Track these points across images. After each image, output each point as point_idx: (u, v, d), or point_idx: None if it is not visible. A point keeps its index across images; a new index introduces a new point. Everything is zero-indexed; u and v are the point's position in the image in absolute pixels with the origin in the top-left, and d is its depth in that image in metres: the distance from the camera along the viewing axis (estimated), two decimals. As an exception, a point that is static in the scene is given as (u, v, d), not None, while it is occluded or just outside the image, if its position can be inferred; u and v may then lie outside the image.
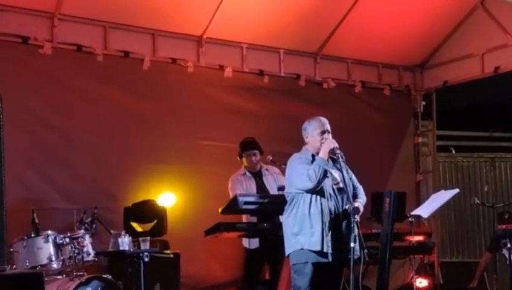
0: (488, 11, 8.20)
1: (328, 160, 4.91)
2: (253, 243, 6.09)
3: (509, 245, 6.91)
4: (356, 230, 4.84)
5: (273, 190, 6.26)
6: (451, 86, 8.82)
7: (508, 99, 10.14)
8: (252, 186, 6.32)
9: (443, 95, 9.10)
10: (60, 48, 6.71)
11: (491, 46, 8.24)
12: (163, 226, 6.54)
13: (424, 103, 9.02)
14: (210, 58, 7.54)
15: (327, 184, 4.90)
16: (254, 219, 6.11)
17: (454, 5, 8.19)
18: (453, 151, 10.09)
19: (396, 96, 8.89)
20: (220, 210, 5.99)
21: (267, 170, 6.45)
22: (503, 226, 7.11)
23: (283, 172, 5.70)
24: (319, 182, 4.80)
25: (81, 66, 6.81)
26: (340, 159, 4.89)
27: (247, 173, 6.38)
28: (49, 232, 5.54)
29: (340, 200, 4.93)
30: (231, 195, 6.29)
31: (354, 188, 5.08)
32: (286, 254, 5.02)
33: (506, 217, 7.48)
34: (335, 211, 4.90)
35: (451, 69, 8.71)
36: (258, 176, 6.41)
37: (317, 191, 4.84)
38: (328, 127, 5.04)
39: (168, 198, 6.66)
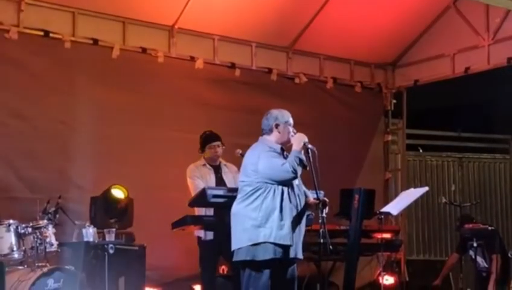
0: (459, 11, 8.27)
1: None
2: (208, 234, 5.99)
3: (475, 245, 6.97)
4: (323, 226, 4.81)
5: (231, 186, 6.16)
6: (422, 85, 8.87)
7: (477, 100, 10.25)
8: (212, 179, 6.19)
9: (414, 94, 9.15)
10: (26, 33, 6.56)
11: (462, 47, 8.33)
12: (129, 218, 6.39)
13: (394, 101, 9.06)
14: (181, 49, 7.46)
15: None
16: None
17: (427, 4, 8.24)
18: (421, 151, 10.16)
19: (367, 94, 8.90)
20: (188, 203, 5.90)
21: (226, 166, 6.36)
22: (470, 226, 7.15)
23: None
24: (297, 174, 4.72)
25: (48, 52, 6.68)
26: (310, 154, 4.83)
27: (207, 165, 6.29)
28: (11, 221, 5.39)
29: (299, 196, 4.86)
30: (189, 182, 6.17)
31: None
32: (236, 247, 4.74)
33: (473, 220, 7.50)
34: (297, 207, 4.82)
35: (422, 68, 8.77)
36: (217, 170, 6.32)
37: (291, 183, 4.76)
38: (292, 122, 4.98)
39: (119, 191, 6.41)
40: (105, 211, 6.23)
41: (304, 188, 4.94)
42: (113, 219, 6.15)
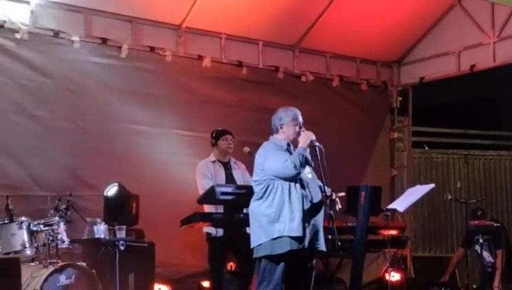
0: (465, 9, 8.31)
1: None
2: (219, 231, 6.05)
3: (481, 241, 7.03)
4: (331, 222, 4.89)
5: (241, 183, 6.24)
6: (427, 83, 8.90)
7: (483, 97, 10.30)
8: (221, 176, 6.27)
9: (419, 91, 9.19)
10: (37, 33, 6.62)
11: (468, 45, 8.35)
12: (131, 214, 6.43)
13: (400, 98, 9.10)
14: (189, 48, 7.51)
15: (302, 173, 4.90)
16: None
17: (433, 2, 8.28)
18: (426, 148, 10.19)
19: (373, 92, 8.94)
20: (196, 200, 5.97)
21: (235, 163, 6.44)
22: (476, 222, 7.21)
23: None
24: (301, 170, 4.81)
25: (58, 52, 6.74)
26: (318, 152, 4.91)
27: (217, 161, 6.37)
28: (23, 218, 5.47)
29: (313, 190, 4.93)
30: (198, 180, 6.25)
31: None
32: (255, 244, 4.85)
33: (479, 213, 7.57)
34: (311, 200, 4.90)
35: (428, 66, 8.80)
36: (227, 166, 6.39)
37: (297, 179, 4.84)
38: (301, 119, 5.05)
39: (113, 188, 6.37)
40: (106, 208, 6.27)
41: (320, 183, 5.00)
42: (113, 216, 6.17)
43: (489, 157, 10.35)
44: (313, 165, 4.94)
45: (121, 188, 6.33)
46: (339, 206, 5.03)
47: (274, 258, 4.79)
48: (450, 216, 9.84)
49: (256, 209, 4.91)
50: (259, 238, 4.84)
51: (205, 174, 6.22)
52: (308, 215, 4.84)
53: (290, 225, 4.75)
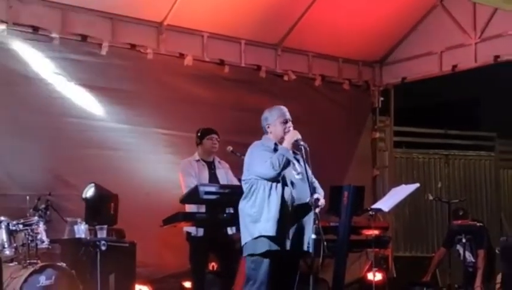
0: (447, 10, 8.34)
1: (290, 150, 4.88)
2: (199, 230, 5.99)
3: (463, 240, 7.05)
4: (317, 222, 4.84)
5: (224, 183, 6.19)
6: (409, 83, 8.92)
7: (464, 97, 10.36)
8: (205, 175, 6.20)
9: (401, 91, 9.21)
10: (15, 29, 6.50)
11: (450, 45, 8.38)
12: (113, 215, 6.33)
13: (382, 98, 9.11)
14: (170, 46, 7.44)
15: (289, 173, 4.86)
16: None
17: (415, 3, 8.31)
18: (404, 148, 10.21)
19: (356, 91, 8.94)
20: (179, 199, 5.89)
21: (219, 162, 6.38)
22: (459, 222, 7.23)
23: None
24: (281, 171, 4.77)
25: (37, 49, 6.62)
26: (303, 151, 4.86)
27: (201, 160, 6.30)
28: (2, 218, 5.39)
29: (300, 191, 4.88)
30: (181, 178, 6.19)
31: (311, 182, 5.04)
32: (243, 243, 4.88)
33: (460, 213, 7.59)
34: (295, 200, 4.85)
35: (409, 66, 8.82)
36: (211, 166, 6.33)
37: (278, 179, 4.80)
38: (289, 115, 5.01)
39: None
40: (86, 209, 6.17)
41: (316, 184, 4.96)
42: (92, 216, 6.08)
43: (469, 157, 10.44)
44: (294, 164, 4.88)
45: (99, 188, 6.24)
46: (318, 209, 4.95)
47: (258, 257, 4.79)
48: (431, 216, 9.90)
49: (242, 208, 4.92)
50: (245, 237, 4.87)
51: (189, 173, 6.15)
52: (289, 216, 4.79)
53: (266, 224, 4.75)
